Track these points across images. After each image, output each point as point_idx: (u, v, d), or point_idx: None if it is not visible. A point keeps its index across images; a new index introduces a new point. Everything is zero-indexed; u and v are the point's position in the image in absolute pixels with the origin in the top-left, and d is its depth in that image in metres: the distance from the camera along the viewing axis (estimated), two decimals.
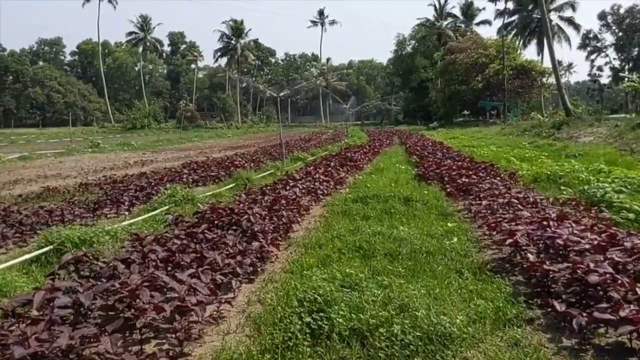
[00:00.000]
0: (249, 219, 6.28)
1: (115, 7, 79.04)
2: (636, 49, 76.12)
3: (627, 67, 79.09)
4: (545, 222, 5.80)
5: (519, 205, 7.45)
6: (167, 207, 8.69)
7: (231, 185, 11.24)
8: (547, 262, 4.45)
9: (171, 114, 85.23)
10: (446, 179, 10.44)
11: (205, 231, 5.88)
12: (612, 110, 63.14)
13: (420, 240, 5.93)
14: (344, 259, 5.38)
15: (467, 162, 13.72)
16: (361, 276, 4.54)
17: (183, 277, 4.10)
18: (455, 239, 6.00)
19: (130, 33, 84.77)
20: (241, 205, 7.54)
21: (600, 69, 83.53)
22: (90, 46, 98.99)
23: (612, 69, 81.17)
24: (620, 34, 77.52)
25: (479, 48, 49.76)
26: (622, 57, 79.56)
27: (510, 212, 7.23)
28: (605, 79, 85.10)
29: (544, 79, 47.46)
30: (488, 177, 10.37)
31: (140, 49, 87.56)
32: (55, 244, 5.76)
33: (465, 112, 59.22)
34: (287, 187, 9.95)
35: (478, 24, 71.18)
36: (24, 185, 13.19)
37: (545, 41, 54.60)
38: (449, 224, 6.58)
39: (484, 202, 7.60)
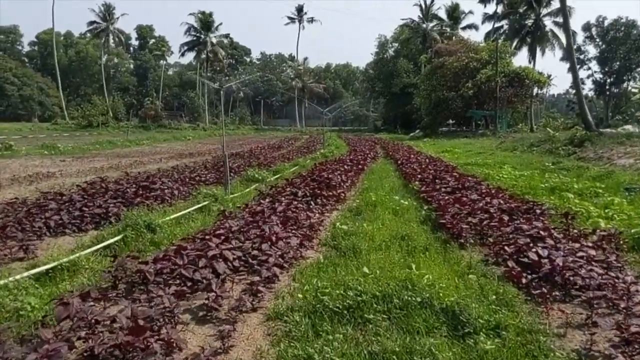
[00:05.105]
0: None
1: None
2: (618, 62, 73.86)
3: (608, 80, 76.97)
4: None
5: None
6: None
7: (113, 240, 6.24)
8: None
9: (136, 113, 78.89)
10: (507, 249, 5.65)
11: None
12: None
13: None
14: None
15: (501, 198, 9.05)
16: None
17: None
18: None
19: (92, 23, 77.78)
20: None
21: (582, 81, 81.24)
22: (50, 36, 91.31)
23: (595, 82, 78.94)
24: (604, 46, 75.26)
25: (469, 51, 45.48)
26: (605, 70, 77.32)
27: None
28: (585, 92, 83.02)
29: (539, 89, 43.50)
30: (584, 247, 5.71)
31: (103, 40, 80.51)
32: None
33: (450, 121, 55.03)
34: (203, 260, 5.06)
35: (464, 28, 67.29)
36: None
37: (538, 48, 51.49)
38: None
39: None
